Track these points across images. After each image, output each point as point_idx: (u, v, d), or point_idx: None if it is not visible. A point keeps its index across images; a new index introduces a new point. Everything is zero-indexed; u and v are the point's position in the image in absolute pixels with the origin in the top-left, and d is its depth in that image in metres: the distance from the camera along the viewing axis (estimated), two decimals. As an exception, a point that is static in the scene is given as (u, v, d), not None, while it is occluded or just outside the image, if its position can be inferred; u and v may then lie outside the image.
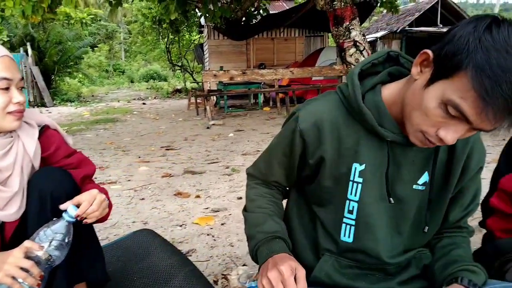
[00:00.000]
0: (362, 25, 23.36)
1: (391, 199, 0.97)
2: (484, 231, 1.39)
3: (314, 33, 14.65)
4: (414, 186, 0.99)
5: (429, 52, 0.80)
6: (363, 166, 0.96)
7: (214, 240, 2.19)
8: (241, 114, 8.90)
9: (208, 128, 7.06)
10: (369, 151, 0.95)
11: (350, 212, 1.00)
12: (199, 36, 18.99)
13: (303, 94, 10.39)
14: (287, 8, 13.11)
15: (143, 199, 3.05)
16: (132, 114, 10.11)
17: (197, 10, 11.31)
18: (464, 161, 0.99)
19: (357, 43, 8.17)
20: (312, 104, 1.00)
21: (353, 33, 8.20)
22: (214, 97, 10.44)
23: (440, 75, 0.76)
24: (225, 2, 8.05)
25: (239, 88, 9.50)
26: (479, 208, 1.16)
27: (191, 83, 18.82)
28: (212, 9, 9.18)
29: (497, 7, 32.16)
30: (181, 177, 3.69)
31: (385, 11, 13.95)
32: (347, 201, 0.99)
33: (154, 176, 3.76)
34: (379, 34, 15.51)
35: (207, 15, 9.43)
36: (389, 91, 0.94)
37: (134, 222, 2.52)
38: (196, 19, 16.01)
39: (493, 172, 1.39)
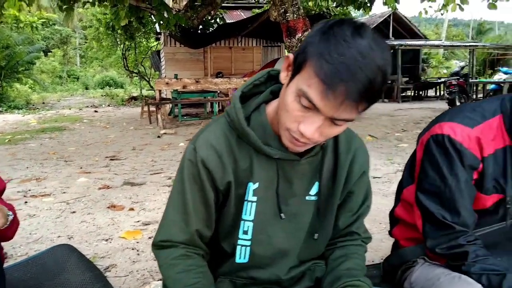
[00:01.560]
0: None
1: (282, 214, 0.98)
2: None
3: (271, 43, 14.83)
4: (307, 198, 1.00)
5: (290, 55, 0.83)
6: (256, 185, 0.96)
7: (138, 254, 2.13)
8: (195, 123, 8.81)
9: (158, 137, 6.94)
10: (261, 169, 0.96)
11: (245, 232, 0.99)
12: (157, 43, 18.74)
13: (259, 103, 10.45)
14: (245, 17, 13.21)
15: (74, 212, 2.93)
16: (82, 123, 9.78)
17: (152, 17, 11.18)
18: (348, 167, 1.01)
19: (309, 54, 8.34)
20: (205, 132, 0.98)
21: (305, 45, 8.36)
22: (169, 105, 10.30)
23: (295, 71, 0.80)
24: (178, 10, 7.98)
25: (193, 97, 9.42)
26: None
27: (147, 90, 18.50)
28: (167, 16, 9.10)
29: (446, 21, 33.91)
30: (119, 188, 3.59)
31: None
32: (242, 222, 0.99)
33: (91, 188, 3.63)
34: (334, 46, 15.89)
35: (161, 22, 9.33)
36: (271, 108, 0.95)
37: (59, 236, 2.41)
38: (153, 26, 15.82)
39: (398, 184, 1.44)
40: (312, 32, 0.78)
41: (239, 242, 1.00)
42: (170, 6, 6.98)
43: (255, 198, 0.97)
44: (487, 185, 1.16)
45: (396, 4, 7.83)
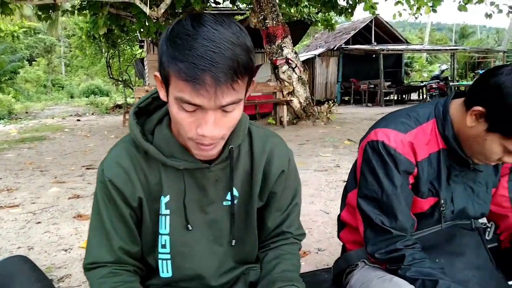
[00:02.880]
0: (304, 42, 24.04)
1: (189, 226, 0.98)
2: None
3: (255, 50, 14.87)
4: (224, 203, 1.00)
5: (157, 73, 0.86)
6: (167, 198, 0.97)
7: (96, 264, 2.10)
8: (175, 130, 8.75)
9: (138, 145, 6.87)
10: (171, 182, 0.96)
11: (163, 246, 0.99)
12: (141, 50, 18.70)
13: (242, 110, 10.46)
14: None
15: (39, 222, 2.88)
16: (63, 132, 9.68)
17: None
18: (264, 168, 1.02)
19: (289, 61, 8.41)
20: (112, 151, 0.99)
21: (285, 51, 8.43)
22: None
23: (166, 85, 0.81)
24: (156, 18, 7.98)
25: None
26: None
27: (132, 98, 18.41)
28: (147, 24, 9.10)
29: (428, 25, 34.43)
30: (88, 198, 3.55)
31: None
32: (159, 236, 0.99)
33: (61, 198, 3.58)
34: (317, 52, 16.04)
35: (142, 30, 9.33)
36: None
37: (19, 248, 2.37)
38: (136, 33, 15.79)
39: (343, 188, 1.45)
40: (160, 43, 0.81)
41: (160, 256, 1.00)
42: (147, 14, 6.96)
43: (168, 211, 0.97)
44: (423, 189, 1.18)
45: (374, 10, 7.93)
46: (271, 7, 8.08)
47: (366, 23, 16.04)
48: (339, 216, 1.46)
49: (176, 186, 0.96)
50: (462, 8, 7.34)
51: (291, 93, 8.60)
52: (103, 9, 8.41)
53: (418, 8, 6.92)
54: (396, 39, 17.04)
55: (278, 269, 1.04)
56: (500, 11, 7.67)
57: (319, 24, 11.80)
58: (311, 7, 11.19)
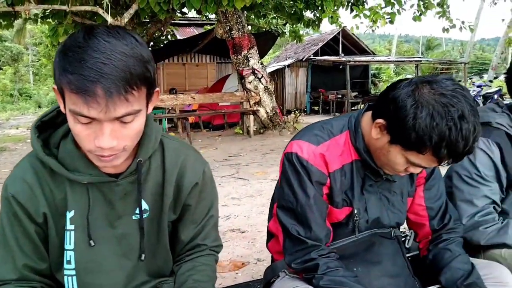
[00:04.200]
0: (276, 53, 24.20)
1: (91, 241, 0.97)
2: None
3: (225, 60, 14.94)
4: (133, 217, 1.00)
5: (55, 86, 0.86)
6: (72, 213, 0.96)
7: None
8: (142, 141, 8.64)
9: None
10: (76, 196, 0.96)
11: (69, 262, 0.98)
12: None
13: (210, 119, 10.47)
14: (197, 34, 13.26)
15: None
16: (25, 143, 9.39)
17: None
18: (177, 181, 1.02)
19: (255, 71, 8.47)
20: (16, 169, 0.98)
21: (252, 62, 8.50)
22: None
23: (63, 98, 0.82)
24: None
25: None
26: None
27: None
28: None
29: (395, 38, 35.47)
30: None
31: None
32: (65, 252, 0.98)
33: None
34: (287, 62, 16.23)
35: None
36: None
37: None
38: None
39: (271, 199, 1.47)
40: (55, 56, 0.81)
41: (65, 272, 0.99)
42: (109, 23, 6.89)
43: (72, 227, 0.97)
44: (337, 199, 1.21)
45: (334, 21, 8.13)
46: (237, 18, 8.15)
47: (333, 35, 16.37)
48: (268, 226, 1.48)
49: (81, 200, 0.96)
50: (416, 18, 7.68)
51: (258, 103, 8.66)
52: (67, 18, 8.26)
53: (375, 21, 7.16)
54: (363, 51, 17.45)
55: (190, 280, 1.04)
56: (454, 25, 8.04)
57: (287, 35, 11.98)
58: (278, 19, 11.35)
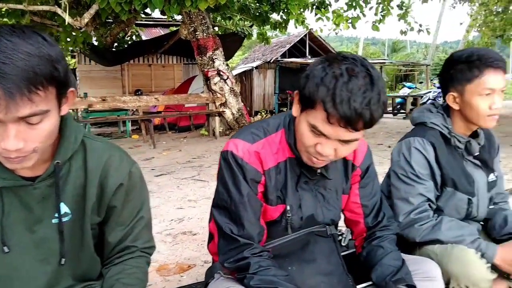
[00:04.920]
0: (244, 55, 24.21)
1: (5, 248, 0.94)
2: None
3: (192, 61, 14.82)
4: (53, 221, 0.98)
5: None
6: None
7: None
8: (104, 143, 8.45)
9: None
10: None
11: None
12: (74, 60, 17.96)
13: (176, 121, 10.36)
14: (162, 34, 13.11)
15: None
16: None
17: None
18: (101, 182, 1.00)
19: (221, 72, 8.46)
20: None
21: (217, 63, 8.47)
22: (82, 125, 9.85)
23: None
24: (79, 27, 7.71)
25: (105, 115, 9.12)
26: None
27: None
28: (74, 34, 8.77)
29: (361, 40, 36.21)
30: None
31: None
32: None
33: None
34: (255, 64, 16.29)
35: (68, 40, 8.98)
36: None
37: None
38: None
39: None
40: None
41: None
42: (67, 23, 6.72)
43: None
44: (271, 197, 1.22)
45: (298, 24, 8.23)
46: (201, 19, 8.11)
47: (300, 37, 16.57)
48: (209, 227, 1.48)
49: None
50: (375, 28, 7.88)
51: (224, 104, 8.64)
52: (25, 17, 7.99)
53: (337, 24, 7.32)
54: (330, 53, 17.72)
55: (119, 284, 1.03)
56: (412, 28, 8.31)
57: (255, 37, 12.01)
58: (245, 20, 11.37)
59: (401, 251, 1.41)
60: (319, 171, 1.23)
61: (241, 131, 1.26)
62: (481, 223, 1.69)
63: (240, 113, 8.86)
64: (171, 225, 2.75)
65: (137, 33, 12.44)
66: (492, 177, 1.62)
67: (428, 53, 28.53)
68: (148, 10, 8.04)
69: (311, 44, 17.03)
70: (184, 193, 3.66)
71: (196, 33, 8.16)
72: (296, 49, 17.10)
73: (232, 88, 8.71)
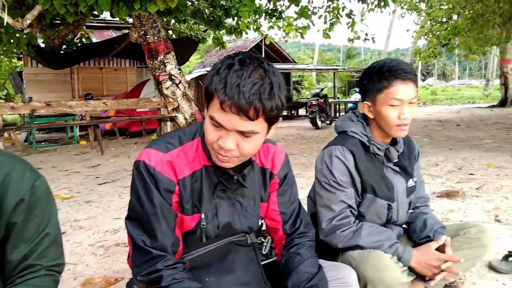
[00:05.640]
0: (201, 59, 24.07)
1: None
2: None
3: (145, 64, 14.51)
4: None
5: None
6: None
7: None
8: (49, 150, 8.13)
9: None
10: None
11: None
12: (21, 63, 17.14)
13: (127, 126, 10.12)
14: (114, 37, 12.78)
15: None
16: None
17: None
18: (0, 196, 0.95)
19: (173, 77, 8.33)
20: None
21: (169, 67, 8.33)
22: (27, 131, 9.41)
23: None
24: (21, 28, 7.37)
25: (50, 121, 8.74)
26: None
27: (9, 115, 16.71)
28: (18, 35, 8.36)
29: (317, 47, 37.11)
30: None
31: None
32: None
33: None
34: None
35: (12, 41, 8.55)
36: None
37: None
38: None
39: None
40: None
41: None
42: (5, 23, 6.40)
43: None
44: (186, 206, 1.19)
45: (262, 30, 8.29)
46: (152, 22, 7.96)
47: (256, 43, 16.71)
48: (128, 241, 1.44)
49: None
50: (325, 36, 8.12)
51: (176, 109, 8.52)
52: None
53: (287, 33, 7.47)
54: (285, 59, 18.01)
55: None
56: (358, 37, 8.62)
57: (210, 41, 11.96)
58: (199, 24, 11.29)
59: (325, 257, 1.44)
60: (236, 177, 1.23)
61: (156, 141, 1.23)
62: (405, 226, 1.76)
63: (193, 118, 8.76)
64: (105, 237, 2.66)
65: (87, 36, 12.03)
66: (411, 182, 1.68)
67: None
68: (96, 12, 7.81)
69: (267, 49, 17.21)
70: (125, 202, 3.55)
71: (147, 36, 8.00)
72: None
73: (185, 92, 8.60)
